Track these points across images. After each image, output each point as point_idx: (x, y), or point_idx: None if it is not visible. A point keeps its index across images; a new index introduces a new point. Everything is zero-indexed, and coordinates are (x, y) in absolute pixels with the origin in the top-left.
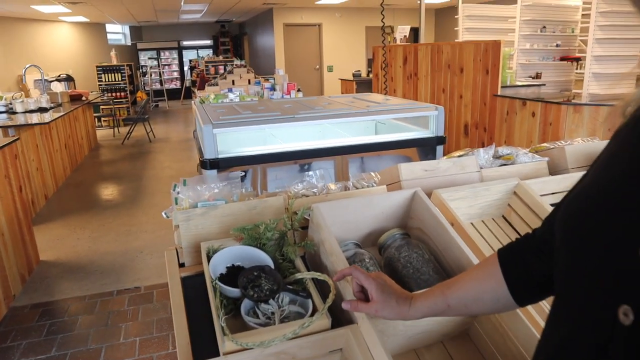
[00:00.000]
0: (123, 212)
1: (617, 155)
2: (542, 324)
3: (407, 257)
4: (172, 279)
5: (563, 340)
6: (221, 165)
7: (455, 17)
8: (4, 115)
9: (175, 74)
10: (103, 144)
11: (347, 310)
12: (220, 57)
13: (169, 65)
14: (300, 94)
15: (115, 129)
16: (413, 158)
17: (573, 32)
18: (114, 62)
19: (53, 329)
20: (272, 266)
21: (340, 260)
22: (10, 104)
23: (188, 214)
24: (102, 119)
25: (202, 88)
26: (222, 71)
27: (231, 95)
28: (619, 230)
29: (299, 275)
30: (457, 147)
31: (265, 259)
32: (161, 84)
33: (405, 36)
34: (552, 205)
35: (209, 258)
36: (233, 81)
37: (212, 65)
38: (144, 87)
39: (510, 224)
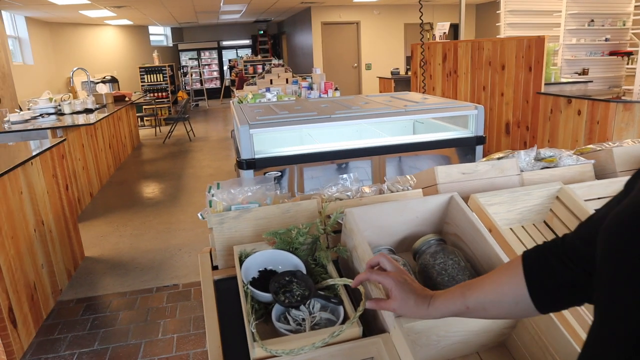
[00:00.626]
0: (163, 210)
1: None
2: (584, 337)
3: (443, 264)
4: (205, 281)
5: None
6: (258, 165)
7: (497, 12)
8: (53, 117)
9: (215, 74)
10: (145, 143)
11: (379, 320)
12: (259, 57)
13: (208, 65)
14: (337, 93)
15: (157, 128)
16: (452, 158)
17: (624, 25)
18: (156, 63)
19: (96, 323)
20: (304, 271)
21: None
22: (59, 105)
23: (222, 217)
24: (145, 118)
25: (240, 87)
26: (260, 70)
27: (269, 95)
28: None
29: (330, 281)
30: (497, 146)
31: (298, 263)
32: (201, 84)
33: (444, 33)
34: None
35: (241, 262)
36: (271, 80)
37: (251, 65)
38: (185, 87)
39: (552, 229)
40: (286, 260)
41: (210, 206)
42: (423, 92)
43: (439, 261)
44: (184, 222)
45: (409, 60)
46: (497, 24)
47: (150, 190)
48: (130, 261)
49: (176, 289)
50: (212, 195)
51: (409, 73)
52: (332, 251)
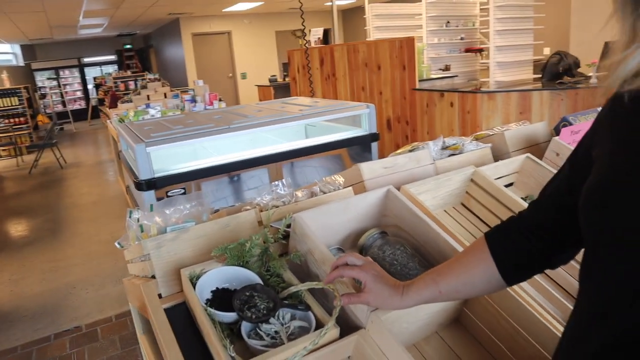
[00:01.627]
0: (45, 247)
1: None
2: (528, 298)
3: (392, 255)
4: (155, 313)
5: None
6: (158, 184)
7: (364, 17)
8: None
9: (79, 94)
10: (6, 175)
11: (348, 317)
12: (129, 72)
13: (70, 84)
14: (223, 104)
15: (19, 158)
16: (344, 157)
17: (474, 25)
18: (7, 85)
19: None
20: (262, 283)
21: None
22: None
23: (158, 241)
24: (1, 148)
25: (114, 106)
26: (133, 87)
27: (152, 111)
28: None
29: (293, 289)
30: (382, 142)
31: (253, 277)
32: (64, 105)
33: (319, 38)
34: (505, 186)
35: (193, 285)
36: (148, 96)
37: (122, 82)
38: (45, 109)
39: (469, 210)
40: (240, 276)
41: (142, 231)
42: (311, 96)
43: (387, 252)
44: (73, 257)
45: (285, 66)
46: (365, 28)
47: (24, 227)
48: (14, 310)
49: (79, 331)
50: (138, 220)
51: (287, 79)
52: (286, 259)
